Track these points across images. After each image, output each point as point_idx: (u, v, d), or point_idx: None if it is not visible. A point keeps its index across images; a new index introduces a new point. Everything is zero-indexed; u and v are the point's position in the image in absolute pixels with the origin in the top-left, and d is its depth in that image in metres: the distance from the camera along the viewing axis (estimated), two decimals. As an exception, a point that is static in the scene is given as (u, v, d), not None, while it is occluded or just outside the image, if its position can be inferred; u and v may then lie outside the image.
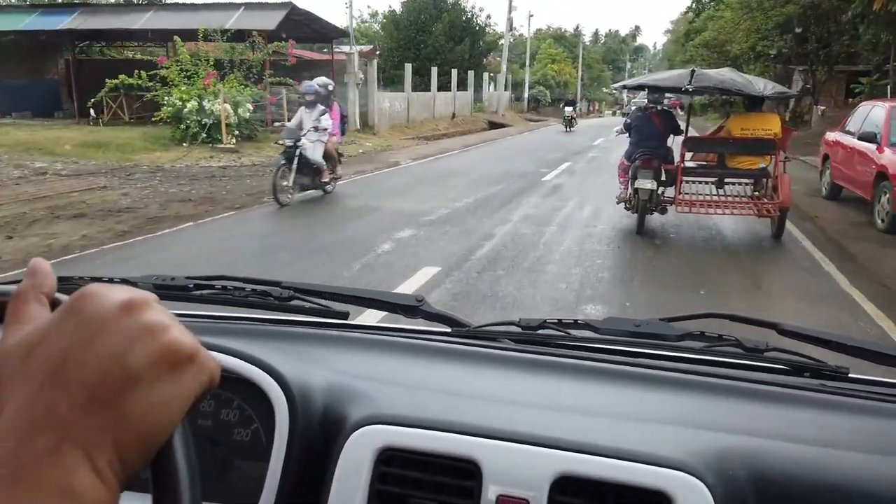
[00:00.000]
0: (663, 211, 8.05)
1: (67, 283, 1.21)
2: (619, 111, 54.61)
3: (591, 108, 70.62)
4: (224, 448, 0.93)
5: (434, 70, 31.25)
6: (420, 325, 1.23)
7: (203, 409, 0.98)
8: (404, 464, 0.80)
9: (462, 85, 35.61)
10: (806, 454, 0.81)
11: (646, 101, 8.64)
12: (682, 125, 8.37)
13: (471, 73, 36.15)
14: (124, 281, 1.22)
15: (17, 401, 0.40)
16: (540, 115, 48.11)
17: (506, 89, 44.90)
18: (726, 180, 8.09)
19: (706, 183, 8.20)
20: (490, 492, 0.76)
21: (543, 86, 56.64)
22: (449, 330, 1.19)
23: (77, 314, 0.42)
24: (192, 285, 1.22)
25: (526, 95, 51.66)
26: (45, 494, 0.37)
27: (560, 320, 1.14)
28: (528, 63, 53.76)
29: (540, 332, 1.14)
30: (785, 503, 0.76)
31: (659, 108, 8.33)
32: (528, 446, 0.79)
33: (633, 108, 9.05)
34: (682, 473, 0.74)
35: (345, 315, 1.21)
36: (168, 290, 1.22)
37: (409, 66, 29.29)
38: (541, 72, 58.80)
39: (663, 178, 7.83)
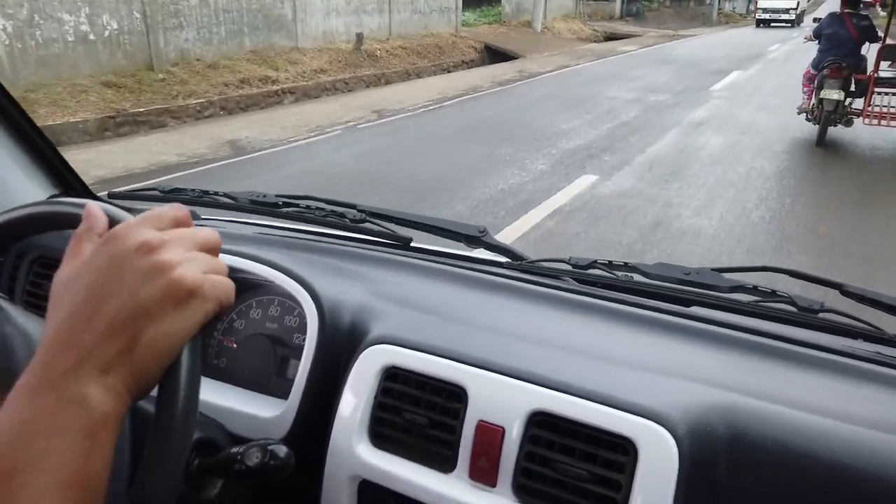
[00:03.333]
0: (849, 123, 7.23)
1: (147, 191, 1.37)
2: None
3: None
4: (286, 349, 1.03)
5: None
6: (482, 254, 1.22)
7: (272, 314, 1.08)
8: (405, 381, 0.86)
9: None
10: (811, 423, 0.74)
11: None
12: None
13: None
14: (227, 195, 1.33)
15: (52, 325, 0.48)
16: (638, 26, 26.06)
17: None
18: None
19: None
20: (472, 416, 0.80)
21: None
22: (503, 261, 1.18)
23: (105, 255, 0.49)
24: (280, 202, 1.30)
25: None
26: (60, 403, 0.44)
27: (610, 262, 1.09)
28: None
29: (589, 271, 1.10)
30: (759, 467, 0.71)
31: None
32: (512, 379, 0.81)
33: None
34: (649, 422, 0.73)
35: (408, 240, 1.24)
36: (260, 206, 1.31)
37: None
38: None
39: (853, 88, 7.03)
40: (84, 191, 1.33)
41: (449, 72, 14.02)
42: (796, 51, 7.63)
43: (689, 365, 0.87)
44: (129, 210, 0.60)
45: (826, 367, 0.87)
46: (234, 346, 1.11)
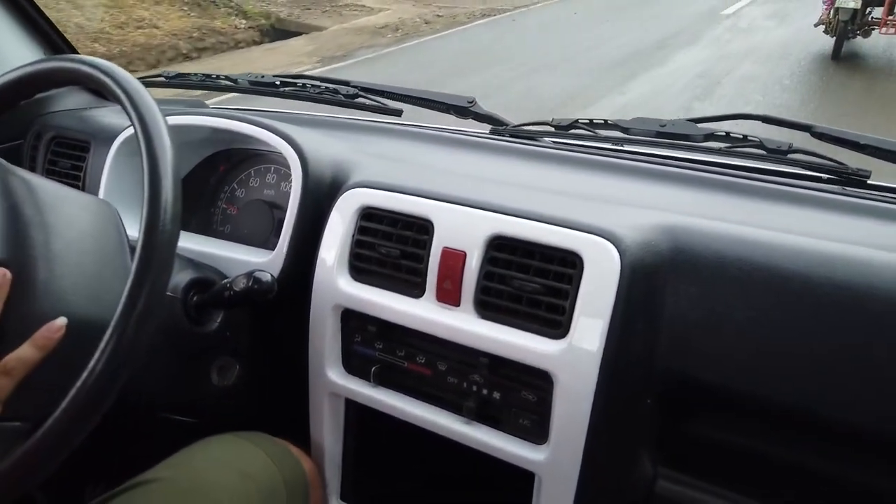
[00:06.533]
0: (867, 34, 6.69)
1: (184, 80, 1.36)
2: None
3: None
4: (281, 212, 1.04)
5: None
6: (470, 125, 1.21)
7: (269, 181, 1.11)
8: (379, 220, 0.88)
9: None
10: (756, 235, 0.74)
11: None
12: None
13: None
14: (227, 78, 1.33)
15: None
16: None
17: None
18: None
19: None
20: (437, 245, 0.83)
21: None
22: (489, 129, 1.17)
23: None
24: (278, 82, 1.30)
25: None
26: None
27: (591, 120, 1.07)
28: None
29: (571, 131, 1.08)
30: (698, 272, 0.73)
31: None
32: (473, 209, 0.82)
33: None
34: (595, 236, 0.74)
35: (398, 112, 1.23)
36: (259, 86, 1.31)
37: None
38: None
39: None
40: (74, 52, 1.33)
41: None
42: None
43: (643, 196, 0.87)
44: None
45: (784, 197, 0.86)
46: (236, 211, 1.14)
